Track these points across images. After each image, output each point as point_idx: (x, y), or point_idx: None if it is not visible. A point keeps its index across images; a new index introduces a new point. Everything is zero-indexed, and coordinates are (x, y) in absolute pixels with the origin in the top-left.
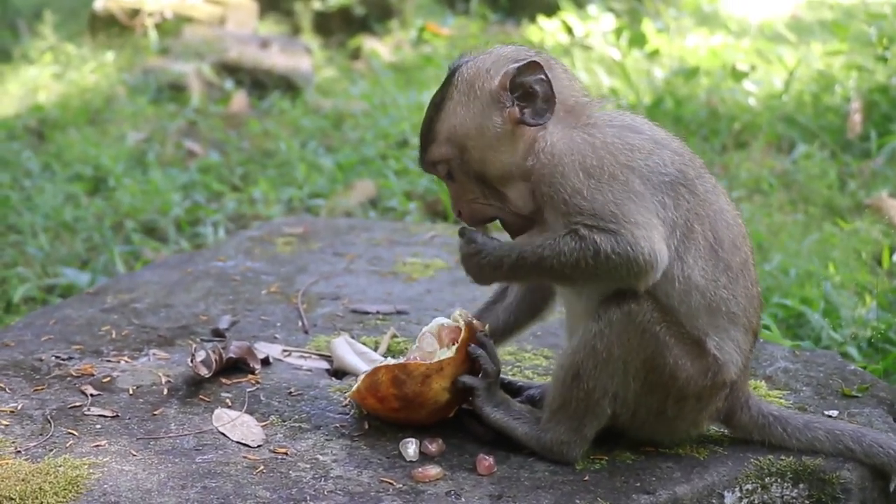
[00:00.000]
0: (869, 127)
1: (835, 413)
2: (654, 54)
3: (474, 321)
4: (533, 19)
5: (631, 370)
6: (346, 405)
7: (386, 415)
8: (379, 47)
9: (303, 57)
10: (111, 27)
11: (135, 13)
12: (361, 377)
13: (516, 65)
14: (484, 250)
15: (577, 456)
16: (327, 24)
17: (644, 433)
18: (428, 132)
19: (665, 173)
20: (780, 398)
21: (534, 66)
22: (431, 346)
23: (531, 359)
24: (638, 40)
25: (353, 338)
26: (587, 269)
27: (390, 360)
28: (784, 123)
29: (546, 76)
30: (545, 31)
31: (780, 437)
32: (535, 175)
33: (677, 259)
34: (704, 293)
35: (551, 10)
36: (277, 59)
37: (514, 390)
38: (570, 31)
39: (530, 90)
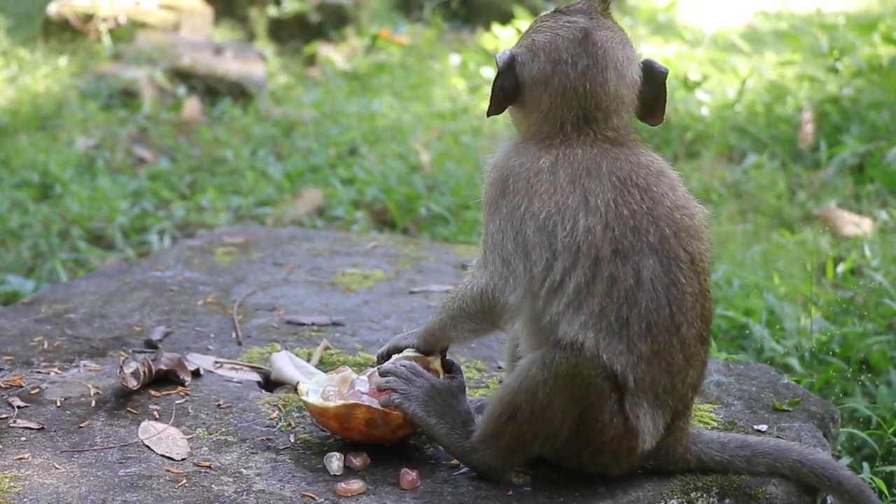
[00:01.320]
0: (820, 137)
1: (764, 427)
2: None
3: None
4: (488, 27)
5: (567, 420)
6: (273, 417)
7: (339, 434)
8: (333, 54)
9: (256, 64)
10: (64, 32)
11: (89, 18)
12: (334, 401)
13: (501, 56)
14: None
15: (502, 479)
16: (282, 31)
17: (561, 462)
18: None
19: (580, 244)
20: (711, 412)
21: (507, 64)
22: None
23: (464, 371)
24: None
25: (286, 349)
26: None
27: (365, 398)
28: (736, 133)
29: (501, 82)
30: (500, 39)
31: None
32: None
33: (567, 324)
34: (606, 365)
35: (506, 18)
36: (231, 66)
37: None
38: None
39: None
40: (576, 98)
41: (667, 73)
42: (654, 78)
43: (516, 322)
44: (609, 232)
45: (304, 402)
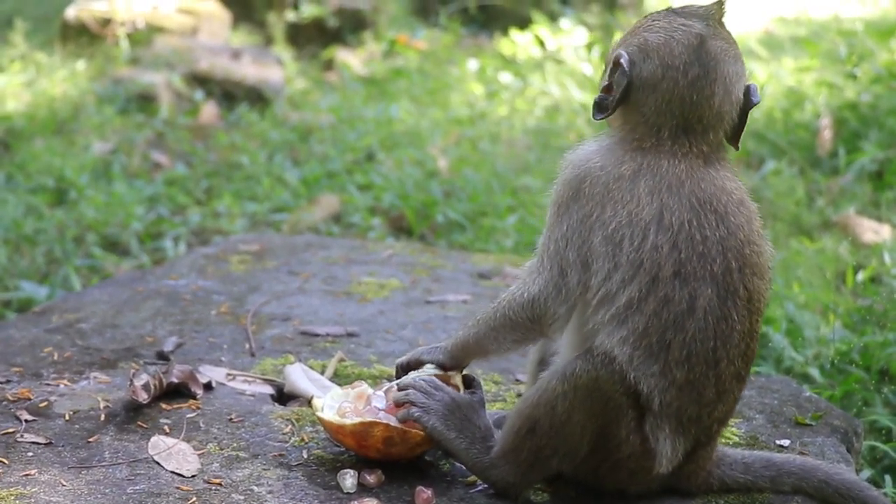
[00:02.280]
0: (838, 144)
1: (787, 442)
2: None
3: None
4: (505, 32)
5: (586, 435)
6: (286, 432)
7: (355, 452)
8: (351, 59)
9: (274, 68)
10: (82, 36)
11: (106, 22)
12: (351, 419)
13: (623, 57)
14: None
15: (520, 496)
16: (300, 36)
17: (579, 479)
18: None
19: (643, 260)
20: (732, 426)
21: (623, 72)
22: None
23: (482, 384)
24: None
25: (300, 361)
26: None
27: (382, 415)
28: (754, 139)
29: (620, 85)
30: (517, 45)
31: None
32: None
33: (606, 336)
34: (632, 383)
35: (524, 24)
36: (248, 71)
37: None
38: (542, 44)
39: (616, 76)
40: (680, 107)
41: (758, 104)
42: (746, 104)
43: (564, 331)
44: (675, 253)
45: (320, 418)
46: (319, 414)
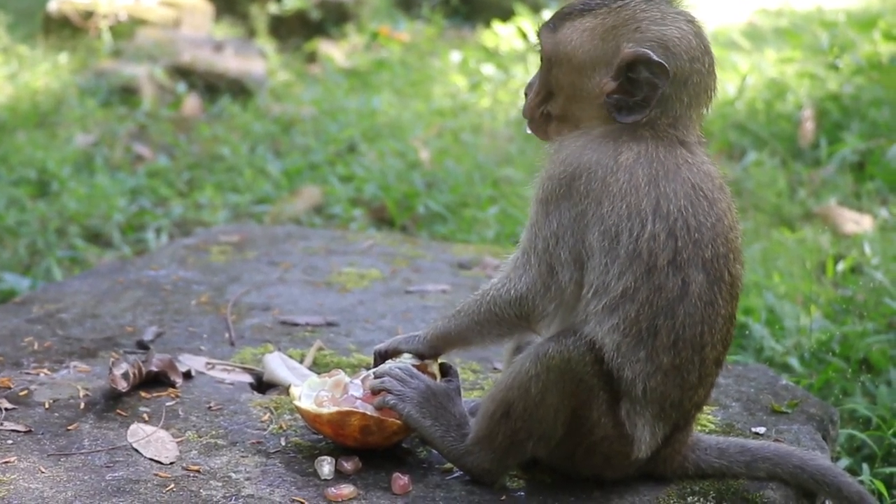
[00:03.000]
0: (820, 135)
1: (762, 430)
2: None
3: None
4: (488, 24)
5: (560, 417)
6: (264, 420)
7: (333, 440)
8: (334, 52)
9: (256, 60)
10: (64, 29)
11: (89, 15)
12: (328, 408)
13: (652, 55)
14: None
15: (497, 482)
16: (283, 28)
17: (555, 465)
18: (562, 18)
19: (640, 251)
20: (709, 414)
21: (663, 70)
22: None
23: (460, 373)
24: None
25: (280, 350)
26: None
27: (359, 404)
28: (736, 131)
29: (664, 86)
30: (500, 37)
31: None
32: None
33: (597, 323)
34: (618, 368)
35: (507, 16)
36: (231, 63)
37: None
38: (524, 36)
39: (639, 83)
40: (703, 96)
41: None
42: None
43: (553, 324)
44: (671, 241)
45: (297, 407)
46: (297, 403)
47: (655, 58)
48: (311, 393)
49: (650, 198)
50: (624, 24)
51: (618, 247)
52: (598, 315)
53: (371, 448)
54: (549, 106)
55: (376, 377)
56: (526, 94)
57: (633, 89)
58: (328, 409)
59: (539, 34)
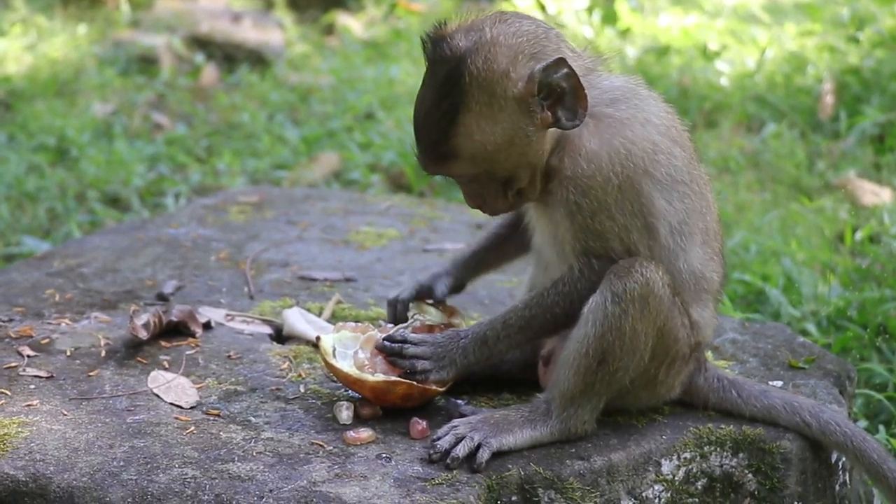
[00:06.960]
0: (840, 108)
1: (779, 383)
2: (625, 33)
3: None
4: None
5: (649, 341)
6: (283, 368)
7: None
8: (352, 23)
9: (274, 31)
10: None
11: None
12: (374, 375)
13: (541, 65)
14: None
15: (592, 428)
16: (301, 0)
17: (621, 402)
18: (442, 144)
19: (675, 175)
20: (726, 368)
21: (559, 63)
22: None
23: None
24: (610, 18)
25: (298, 304)
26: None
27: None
28: (755, 103)
29: (571, 69)
30: (518, 9)
31: (734, 402)
32: (565, 178)
33: (681, 251)
34: (698, 276)
35: None
36: (249, 34)
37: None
38: (543, 8)
39: (558, 89)
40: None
41: None
42: None
43: None
44: (685, 155)
45: (331, 364)
46: (332, 361)
47: (543, 64)
48: (346, 351)
49: (654, 139)
50: (497, 80)
51: (673, 188)
52: (683, 242)
53: (400, 408)
54: (513, 188)
55: (394, 342)
56: (481, 206)
57: (559, 95)
58: (374, 376)
59: (439, 161)
